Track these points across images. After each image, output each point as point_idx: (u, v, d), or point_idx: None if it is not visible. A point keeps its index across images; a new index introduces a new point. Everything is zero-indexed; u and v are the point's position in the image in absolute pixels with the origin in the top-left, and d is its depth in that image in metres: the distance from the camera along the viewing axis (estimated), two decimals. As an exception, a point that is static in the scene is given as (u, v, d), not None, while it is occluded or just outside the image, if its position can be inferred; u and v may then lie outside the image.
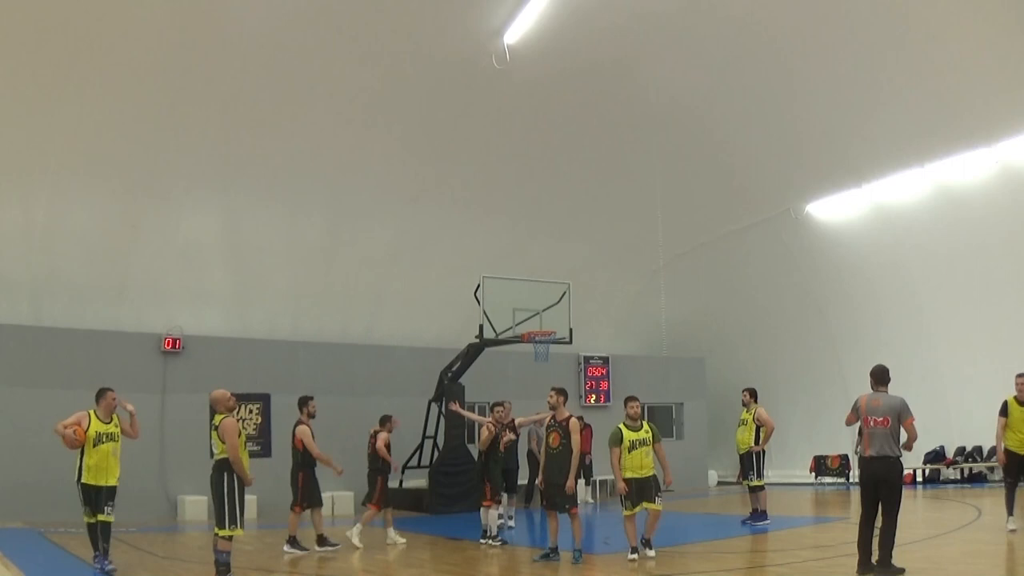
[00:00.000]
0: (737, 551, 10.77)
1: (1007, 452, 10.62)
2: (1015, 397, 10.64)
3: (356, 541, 11.41)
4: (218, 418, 8.33)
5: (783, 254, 21.12)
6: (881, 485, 7.74)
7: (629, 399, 9.87)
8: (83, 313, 16.23)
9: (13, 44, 13.24)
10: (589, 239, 20.76)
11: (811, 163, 18.94)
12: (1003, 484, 10.95)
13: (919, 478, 19.51)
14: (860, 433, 8.45)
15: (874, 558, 7.67)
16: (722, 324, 23.35)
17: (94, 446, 8.87)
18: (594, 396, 21.54)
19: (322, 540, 11.20)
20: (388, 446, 12.13)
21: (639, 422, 9.69)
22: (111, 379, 10.55)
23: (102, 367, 14.58)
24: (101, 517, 8.94)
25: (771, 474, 16.18)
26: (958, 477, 19.51)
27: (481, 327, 15.84)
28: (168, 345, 16.44)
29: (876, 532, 7.77)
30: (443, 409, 16.45)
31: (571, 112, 17.57)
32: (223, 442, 8.18)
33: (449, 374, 16.99)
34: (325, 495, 12.65)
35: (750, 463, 13.20)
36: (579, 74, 16.48)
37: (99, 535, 8.98)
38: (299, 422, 11.32)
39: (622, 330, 23.60)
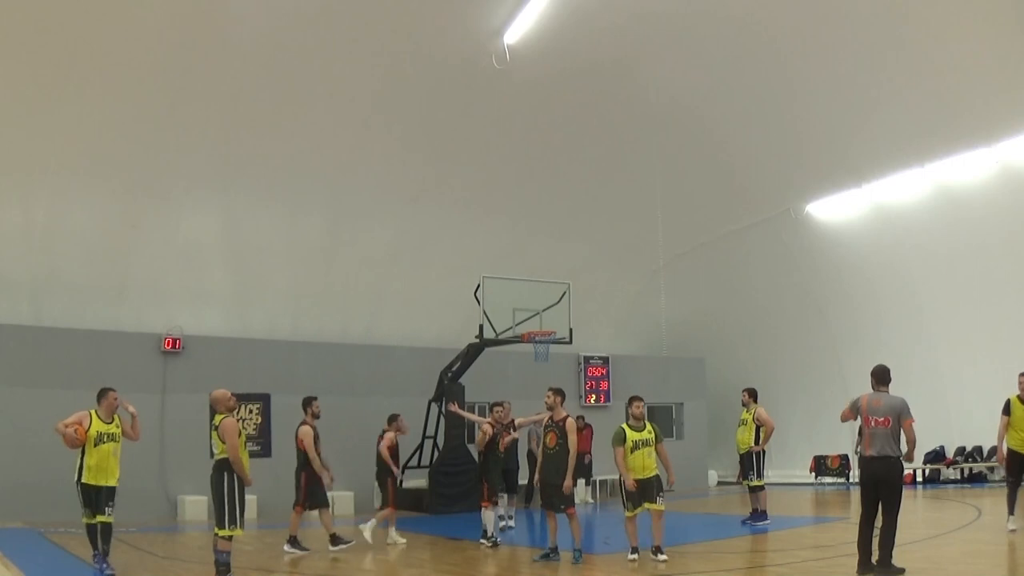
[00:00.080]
0: (737, 551, 10.78)
1: (1009, 451, 10.59)
2: (1018, 396, 10.61)
3: (366, 536, 11.47)
4: (218, 418, 8.33)
5: (783, 254, 21.12)
6: (881, 485, 7.74)
7: (634, 399, 9.81)
8: (83, 313, 16.23)
9: (13, 44, 13.23)
10: (589, 239, 20.76)
11: (811, 163, 18.94)
12: (1004, 484, 10.94)
13: (919, 478, 19.51)
14: (860, 433, 8.46)
15: (874, 558, 7.67)
16: (722, 324, 23.35)
17: (95, 446, 8.85)
18: (594, 396, 21.54)
19: (335, 539, 11.15)
20: (394, 447, 12.12)
21: (643, 422, 9.64)
22: (111, 379, 10.55)
23: (102, 367, 14.58)
24: (101, 518, 8.92)
25: (771, 474, 16.19)
26: (958, 477, 19.51)
27: (481, 327, 15.85)
28: (168, 345, 16.44)
29: (876, 532, 7.77)
30: (443, 409, 16.45)
31: (571, 112, 17.57)
32: (223, 442, 8.18)
33: (449, 374, 16.99)
34: (324, 495, 12.63)
35: (750, 463, 13.20)
36: (579, 74, 16.48)
37: (99, 536, 8.97)
38: (303, 423, 11.30)
39: (622, 330, 23.60)
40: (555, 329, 16.16)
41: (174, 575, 9.61)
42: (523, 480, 16.58)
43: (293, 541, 11.11)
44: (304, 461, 11.22)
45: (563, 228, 20.22)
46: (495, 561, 10.46)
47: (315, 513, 11.44)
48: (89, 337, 15.85)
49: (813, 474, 21.39)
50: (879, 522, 7.75)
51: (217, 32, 14.13)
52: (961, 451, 19.45)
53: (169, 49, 14.10)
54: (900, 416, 7.76)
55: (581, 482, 18.60)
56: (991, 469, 18.90)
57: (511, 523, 13.42)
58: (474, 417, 13.94)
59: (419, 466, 16.86)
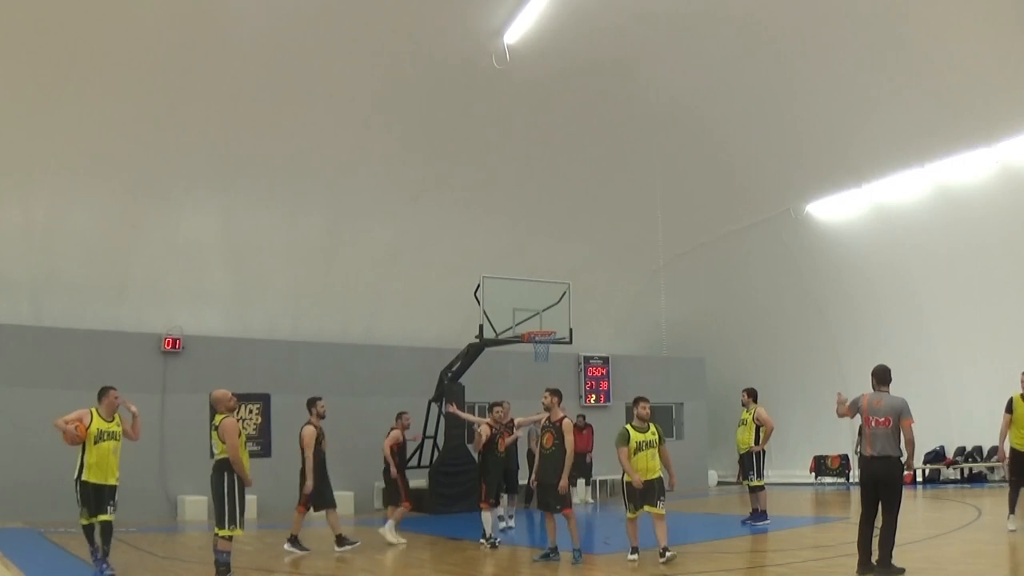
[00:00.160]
0: (737, 551, 10.78)
1: (1012, 451, 10.54)
2: (1021, 394, 10.57)
3: (392, 539, 11.55)
4: (218, 418, 8.33)
5: (783, 254, 21.12)
6: (881, 485, 7.74)
7: (639, 400, 9.73)
8: (83, 313, 16.23)
9: (13, 44, 13.23)
10: (589, 239, 20.76)
11: (811, 163, 18.94)
12: (1005, 483, 10.91)
13: (919, 478, 19.51)
14: (860, 433, 8.47)
15: (874, 558, 7.68)
16: (722, 324, 23.35)
17: (95, 444, 8.84)
18: (594, 396, 21.55)
19: (341, 540, 11.12)
20: (398, 445, 12.13)
21: (647, 423, 9.57)
22: (111, 379, 10.53)
23: (102, 367, 14.58)
24: (103, 517, 8.91)
25: (771, 474, 16.18)
26: (958, 477, 19.51)
27: (481, 327, 15.84)
28: (168, 345, 16.44)
29: (876, 532, 7.77)
30: (443, 409, 16.45)
31: (571, 112, 17.57)
32: (223, 442, 8.18)
33: (449, 374, 16.99)
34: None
35: (750, 463, 13.20)
36: (579, 74, 16.48)
37: (99, 536, 8.96)
38: (307, 423, 11.28)
39: (622, 330, 23.60)
40: (555, 329, 16.15)
41: (174, 575, 9.61)
42: (524, 480, 16.58)
43: (294, 540, 11.11)
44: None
45: (563, 228, 20.22)
46: (495, 561, 10.46)
47: (320, 513, 11.42)
48: (89, 337, 15.85)
49: (813, 474, 21.39)
50: (879, 522, 7.75)
51: (217, 32, 14.13)
52: (961, 451, 19.45)
53: (169, 49, 14.10)
54: (900, 416, 7.76)
55: (581, 482, 18.62)
56: (991, 469, 18.91)
57: (511, 523, 13.42)
58: (472, 418, 13.94)
59: (419, 466, 16.86)
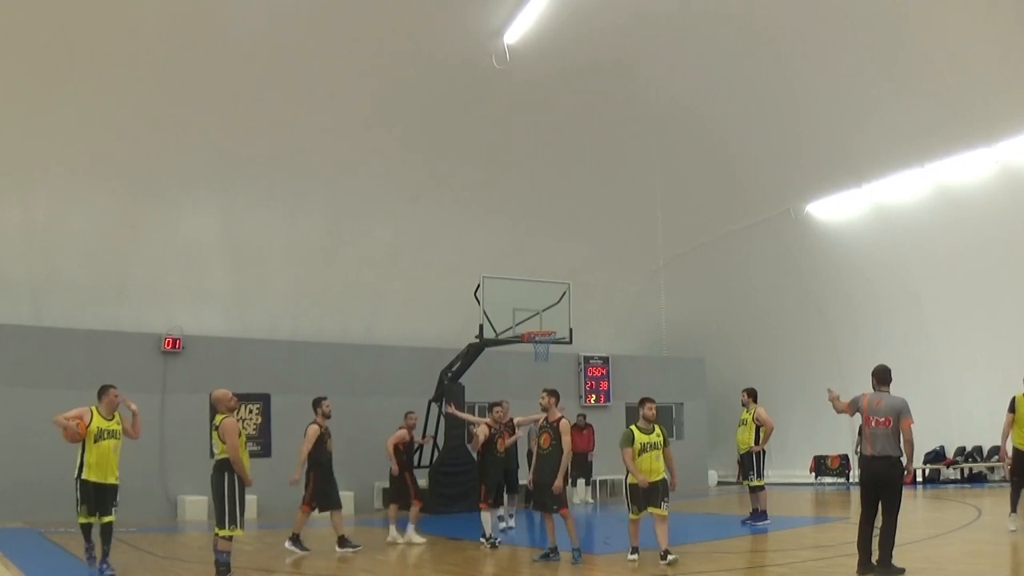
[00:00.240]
0: (737, 551, 10.77)
1: (1015, 450, 10.48)
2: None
3: (416, 539, 11.65)
4: (219, 418, 8.32)
5: (783, 254, 21.12)
6: (881, 485, 7.74)
7: (646, 400, 9.64)
8: (83, 313, 16.23)
9: (13, 44, 13.24)
10: (589, 239, 20.76)
11: (811, 163, 18.94)
12: (1008, 483, 10.87)
13: (919, 478, 19.50)
14: (860, 433, 8.46)
15: (874, 558, 7.67)
16: (722, 324, 23.35)
17: (95, 442, 8.83)
18: (594, 396, 21.55)
19: (343, 541, 11.10)
20: (404, 444, 12.15)
21: (652, 425, 9.51)
22: (111, 379, 10.50)
23: (102, 367, 14.57)
24: (107, 518, 8.92)
25: (771, 474, 16.18)
26: (958, 477, 19.52)
27: (481, 327, 15.84)
28: (168, 345, 16.44)
29: (876, 532, 7.77)
30: (443, 409, 16.45)
31: (571, 112, 17.58)
32: (223, 442, 8.17)
33: (449, 374, 16.99)
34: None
35: (750, 463, 13.19)
36: (579, 74, 16.48)
37: (99, 536, 8.95)
38: (312, 422, 11.27)
39: (622, 330, 23.60)
40: (555, 329, 16.15)
41: (174, 575, 9.61)
42: (523, 480, 16.58)
43: (295, 539, 11.10)
44: (313, 462, 11.20)
45: (563, 228, 20.22)
46: (495, 561, 10.46)
47: (324, 514, 11.41)
48: (89, 337, 15.85)
49: (813, 474, 21.39)
50: (879, 522, 7.75)
51: (217, 32, 14.13)
52: (961, 451, 19.45)
53: (169, 49, 14.10)
54: (899, 416, 7.76)
55: (581, 482, 18.63)
56: (991, 469, 18.91)
57: (511, 523, 13.42)
58: (472, 418, 13.93)
59: (419, 466, 16.84)
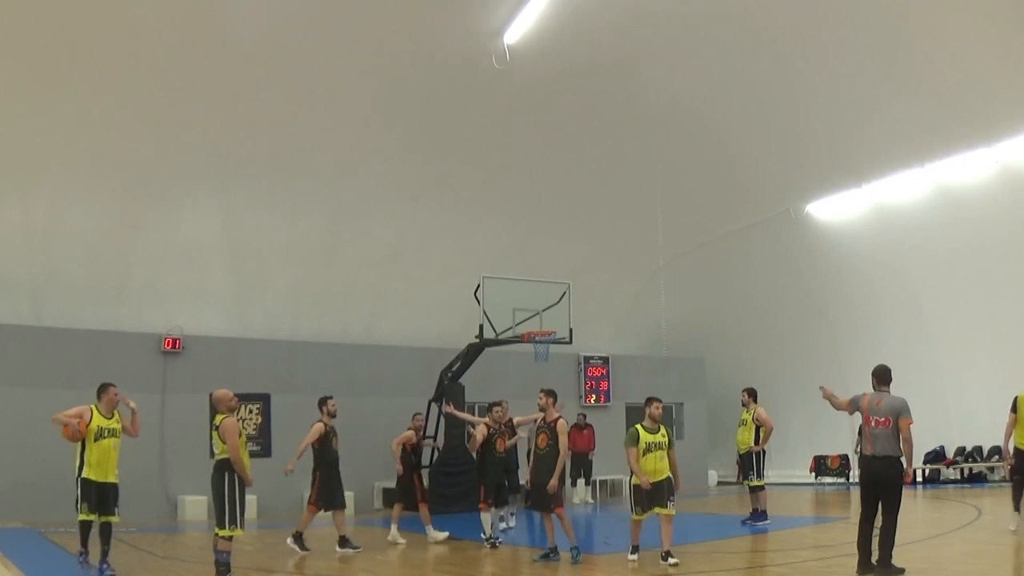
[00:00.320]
0: (737, 551, 10.78)
1: (1016, 450, 10.43)
2: None
3: (438, 536, 11.79)
4: (219, 418, 8.32)
5: (783, 254, 21.12)
6: (881, 485, 7.74)
7: (652, 400, 9.59)
8: (83, 313, 16.23)
9: (13, 44, 13.24)
10: (589, 239, 20.76)
11: (811, 163, 18.94)
12: (1010, 482, 10.84)
13: (919, 478, 19.51)
14: (860, 432, 8.46)
15: (874, 558, 7.68)
16: (722, 324, 23.36)
17: (95, 441, 8.83)
18: (594, 396, 21.55)
19: (344, 542, 11.09)
20: (408, 445, 12.17)
21: (658, 424, 9.46)
22: (111, 379, 10.48)
23: (102, 367, 14.55)
24: (112, 519, 8.93)
25: (771, 474, 16.19)
26: (958, 477, 19.52)
27: (481, 327, 15.84)
28: (168, 345, 16.44)
29: (876, 532, 7.77)
30: (443, 409, 16.44)
31: (571, 112, 17.58)
32: (224, 442, 8.17)
33: (449, 374, 16.98)
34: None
35: (750, 463, 13.19)
36: (579, 74, 16.48)
37: (99, 536, 8.96)
38: (318, 421, 11.27)
39: (622, 330, 23.60)
40: (555, 329, 16.14)
41: (174, 575, 9.61)
42: (523, 480, 16.58)
43: (298, 537, 11.08)
44: (319, 461, 11.20)
45: (563, 228, 20.22)
46: (495, 561, 10.46)
47: (327, 512, 11.42)
48: (89, 337, 15.84)
49: (813, 474, 21.40)
50: (879, 522, 7.75)
51: (217, 32, 14.13)
52: (961, 451, 19.46)
53: (169, 49, 14.10)
54: (899, 416, 7.76)
55: (581, 482, 18.64)
56: (991, 469, 18.91)
57: (512, 522, 13.42)
58: (471, 418, 13.94)
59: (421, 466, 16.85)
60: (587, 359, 21.62)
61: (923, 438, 16.51)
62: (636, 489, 9.36)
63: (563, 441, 9.85)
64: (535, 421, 10.82)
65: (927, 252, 18.65)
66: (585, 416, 18.93)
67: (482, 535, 11.39)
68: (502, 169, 18.58)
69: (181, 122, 15.18)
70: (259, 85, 15.26)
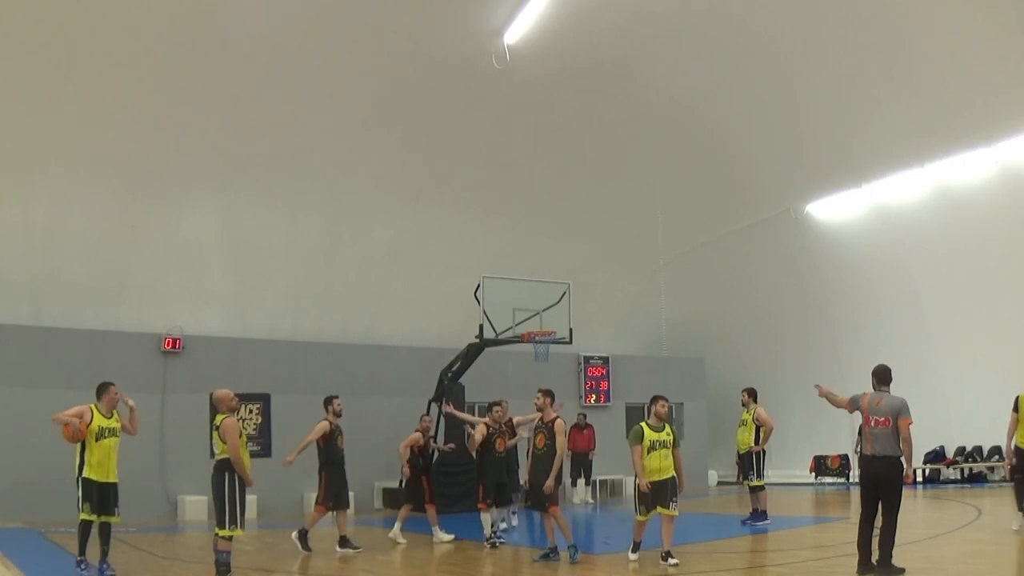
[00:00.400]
0: (737, 551, 10.77)
1: (1018, 450, 10.38)
2: None
3: (445, 538, 11.83)
4: (219, 418, 8.32)
5: (783, 254, 21.12)
6: (881, 484, 7.74)
7: (658, 398, 9.52)
8: (83, 313, 16.23)
9: (13, 44, 13.24)
10: (589, 239, 20.77)
11: (811, 163, 18.95)
12: (1010, 482, 10.82)
13: (919, 478, 19.50)
14: (860, 432, 8.46)
15: (874, 558, 7.68)
16: (722, 324, 23.36)
17: (96, 440, 8.83)
18: (594, 396, 21.55)
19: (344, 542, 11.08)
20: (414, 447, 12.19)
21: (663, 423, 9.43)
22: (111, 379, 10.50)
23: (102, 367, 14.51)
24: (112, 519, 8.93)
25: (771, 474, 16.18)
26: (958, 477, 19.52)
27: (481, 327, 15.84)
28: (168, 345, 16.44)
29: (876, 532, 7.77)
30: (443, 409, 16.44)
31: (571, 112, 17.58)
32: (224, 442, 8.17)
33: (449, 374, 16.99)
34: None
35: (750, 463, 13.19)
36: (579, 74, 16.49)
37: (99, 536, 8.95)
38: (323, 419, 11.27)
39: (622, 330, 23.60)
40: (555, 329, 16.14)
41: (174, 575, 9.61)
42: (522, 480, 16.57)
43: (303, 536, 11.08)
44: (324, 460, 11.21)
45: (563, 228, 20.22)
46: (495, 561, 10.46)
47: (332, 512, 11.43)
48: (89, 337, 15.84)
49: (813, 474, 21.40)
50: (879, 522, 7.75)
51: (217, 32, 14.13)
52: (961, 451, 19.46)
53: (169, 49, 14.11)
54: (899, 416, 7.76)
55: (581, 482, 18.64)
56: (991, 469, 18.91)
57: (514, 522, 13.42)
58: (471, 418, 13.94)
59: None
60: (587, 359, 21.62)
61: (923, 438, 16.52)
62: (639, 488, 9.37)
63: (560, 441, 9.85)
64: (532, 420, 10.83)
65: (927, 252, 18.65)
66: (585, 416, 18.92)
67: (485, 539, 11.37)
68: (502, 169, 18.58)
69: (181, 122, 15.19)
70: (259, 85, 15.26)
